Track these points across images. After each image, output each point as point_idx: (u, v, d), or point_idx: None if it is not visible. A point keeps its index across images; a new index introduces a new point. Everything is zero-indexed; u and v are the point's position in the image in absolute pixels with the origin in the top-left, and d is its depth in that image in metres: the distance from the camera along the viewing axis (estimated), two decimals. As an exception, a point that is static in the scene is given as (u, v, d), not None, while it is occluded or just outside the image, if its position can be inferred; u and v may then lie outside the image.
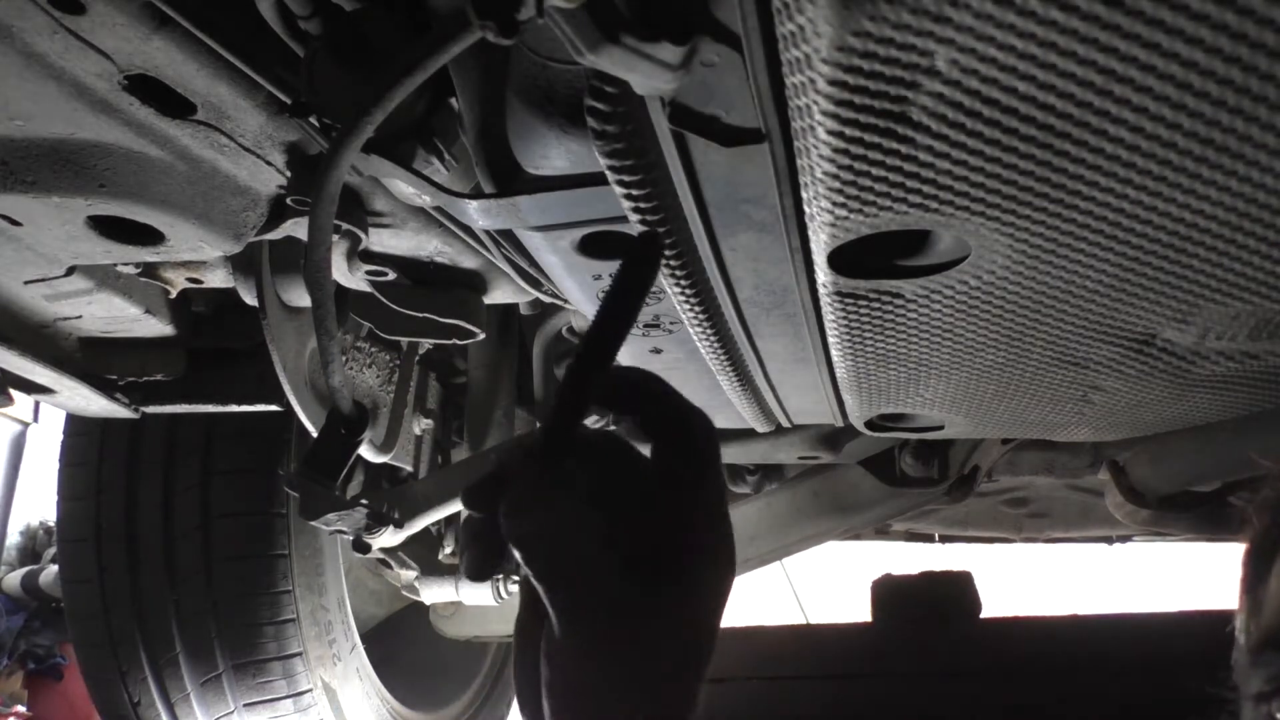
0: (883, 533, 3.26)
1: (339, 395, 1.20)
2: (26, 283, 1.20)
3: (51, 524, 5.43)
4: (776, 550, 2.18)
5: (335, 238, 1.12)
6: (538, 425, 0.62)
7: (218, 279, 1.35)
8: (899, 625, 2.01)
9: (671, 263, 0.84)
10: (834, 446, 1.71)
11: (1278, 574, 0.68)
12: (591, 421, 1.77)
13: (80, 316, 1.33)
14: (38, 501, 5.73)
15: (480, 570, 0.60)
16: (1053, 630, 1.99)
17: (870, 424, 1.31)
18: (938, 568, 2.11)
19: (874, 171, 0.60)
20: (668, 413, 0.61)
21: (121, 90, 0.87)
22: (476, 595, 2.23)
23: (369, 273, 1.28)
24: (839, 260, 0.74)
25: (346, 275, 1.27)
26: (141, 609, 1.96)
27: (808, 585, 4.82)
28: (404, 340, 1.81)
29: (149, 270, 1.29)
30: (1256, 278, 0.72)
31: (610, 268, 0.95)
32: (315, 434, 1.37)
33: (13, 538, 5.65)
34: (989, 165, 0.59)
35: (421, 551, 2.24)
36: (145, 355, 1.51)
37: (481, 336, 1.37)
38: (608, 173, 0.72)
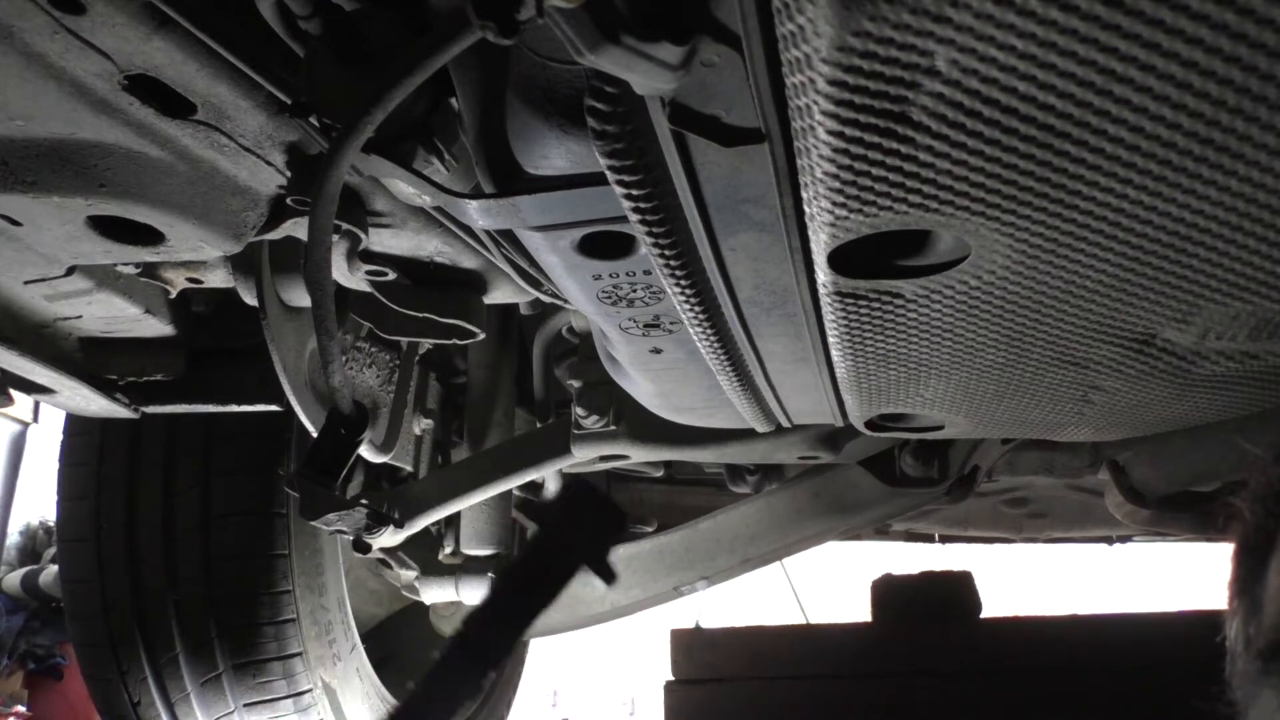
0: (883, 533, 3.26)
1: (339, 395, 1.20)
2: (26, 283, 1.20)
3: (51, 524, 5.43)
4: (776, 550, 2.18)
5: (335, 238, 1.12)
6: None
7: (218, 279, 1.35)
8: (899, 625, 2.01)
9: (671, 263, 0.84)
10: (834, 446, 1.71)
11: (1277, 569, 0.61)
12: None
13: (80, 316, 1.33)
14: (38, 501, 5.73)
15: None
16: (1053, 630, 1.99)
17: (870, 424, 1.31)
18: (938, 568, 2.11)
19: (874, 171, 0.60)
20: None
21: (121, 90, 0.87)
22: (476, 595, 2.23)
23: (369, 273, 1.28)
24: (839, 260, 0.74)
25: (346, 275, 1.27)
26: (141, 609, 1.96)
27: (808, 585, 4.82)
28: (404, 340, 1.81)
29: (149, 270, 1.29)
30: (1256, 278, 0.72)
31: (610, 267, 0.95)
32: (315, 434, 1.37)
33: (13, 538, 5.65)
34: (989, 165, 0.59)
35: (421, 551, 2.24)
36: (145, 355, 1.51)
37: (481, 336, 1.37)
38: (608, 173, 0.72)
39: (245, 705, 1.96)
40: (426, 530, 2.08)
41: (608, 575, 0.54)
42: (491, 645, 0.53)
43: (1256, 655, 0.60)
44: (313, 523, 1.48)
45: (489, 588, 0.60)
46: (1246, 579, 0.64)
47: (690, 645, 2.04)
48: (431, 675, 0.53)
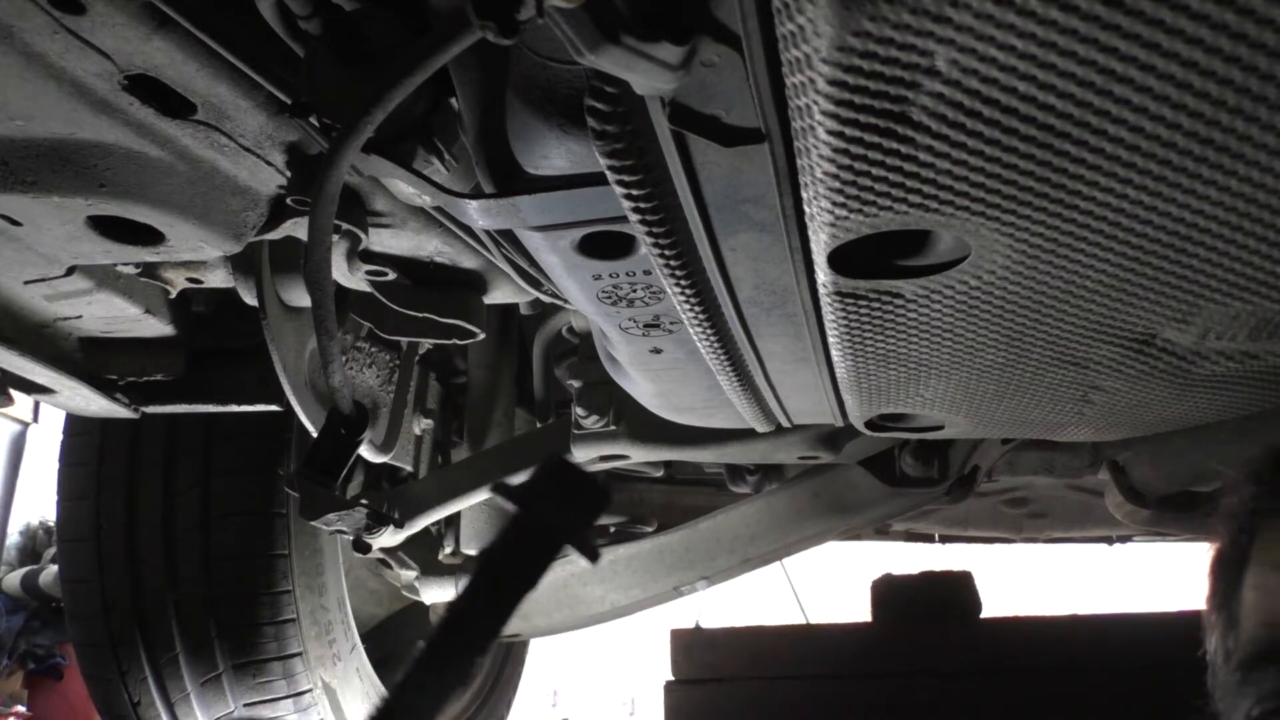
0: (883, 533, 3.26)
1: (339, 395, 1.20)
2: (26, 283, 1.20)
3: (51, 524, 5.42)
4: (776, 550, 2.18)
5: (335, 238, 1.12)
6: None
7: (218, 279, 1.34)
8: (899, 625, 2.01)
9: (671, 263, 0.84)
10: (834, 446, 1.71)
11: (1251, 584, 0.63)
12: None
13: (80, 316, 1.33)
14: (38, 501, 5.73)
15: None
16: (1053, 630, 1.99)
17: (870, 424, 1.31)
18: (938, 568, 2.11)
19: (874, 171, 0.60)
20: None
21: (121, 90, 0.87)
22: (476, 595, 2.23)
23: (369, 273, 1.28)
24: (839, 260, 0.74)
25: (346, 275, 1.27)
26: (141, 609, 1.96)
27: (808, 585, 4.82)
28: (404, 340, 1.81)
29: (149, 270, 1.29)
30: (1256, 278, 0.72)
31: (610, 267, 0.95)
32: (315, 434, 1.37)
33: (13, 538, 5.65)
34: (989, 165, 0.59)
35: (421, 551, 2.24)
36: (145, 355, 1.51)
37: (481, 336, 1.37)
38: (608, 173, 0.72)
39: (245, 705, 1.96)
40: (426, 530, 2.08)
41: (591, 553, 0.53)
42: (477, 630, 0.52)
43: (1236, 667, 0.62)
44: (313, 523, 1.48)
45: (471, 570, 0.58)
46: (1224, 594, 0.66)
47: (690, 645, 2.04)
48: (418, 665, 0.52)
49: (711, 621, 2.20)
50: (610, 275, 0.96)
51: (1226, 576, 0.67)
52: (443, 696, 0.51)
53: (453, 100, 0.86)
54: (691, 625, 2.12)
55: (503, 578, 0.53)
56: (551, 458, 0.53)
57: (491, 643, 0.52)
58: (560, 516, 0.53)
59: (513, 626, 2.47)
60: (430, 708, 0.51)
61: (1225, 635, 0.66)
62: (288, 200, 1.06)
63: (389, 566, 2.28)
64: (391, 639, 2.67)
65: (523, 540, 0.53)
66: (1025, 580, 4.88)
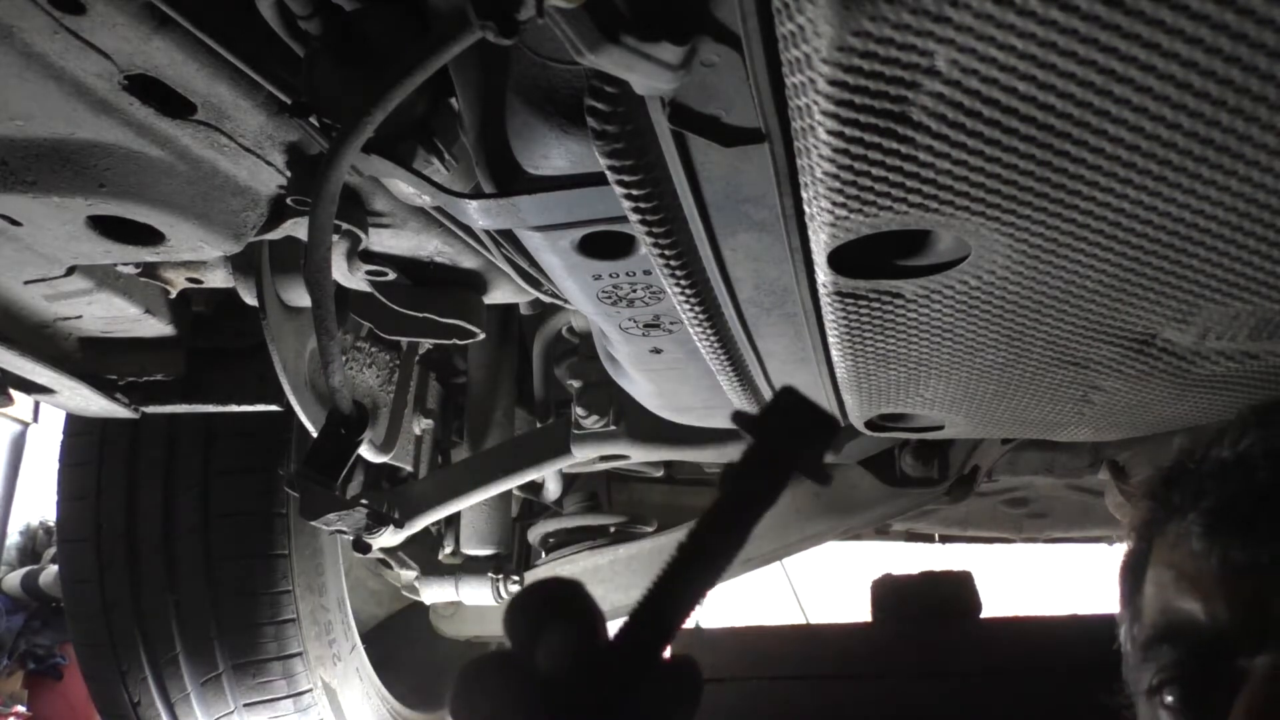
0: (883, 533, 3.26)
1: (339, 395, 1.20)
2: (26, 283, 1.20)
3: (51, 524, 5.42)
4: (776, 550, 2.18)
5: (335, 238, 1.12)
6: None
7: (218, 279, 1.35)
8: (899, 625, 2.01)
9: (671, 263, 0.84)
10: (834, 446, 1.71)
11: (1150, 580, 0.75)
12: None
13: (80, 316, 1.33)
14: (38, 501, 5.73)
15: None
16: (1053, 630, 1.99)
17: (870, 424, 1.31)
18: (938, 568, 2.11)
19: (874, 171, 0.60)
20: None
21: (121, 90, 0.87)
22: (476, 595, 2.23)
23: (369, 273, 1.28)
24: (839, 260, 0.74)
25: (346, 275, 1.27)
26: (141, 609, 1.96)
27: (808, 585, 4.82)
28: (404, 340, 1.81)
29: (149, 270, 1.29)
30: (1256, 278, 0.72)
31: (610, 267, 0.95)
32: (315, 434, 1.37)
33: (13, 538, 5.65)
34: (989, 165, 0.59)
35: (421, 551, 2.24)
36: (145, 355, 1.51)
37: (481, 336, 1.37)
38: (608, 173, 0.72)
39: (245, 705, 1.96)
40: (426, 530, 2.08)
41: (822, 478, 0.55)
42: (718, 549, 0.54)
43: (1140, 648, 0.74)
44: (313, 523, 1.49)
45: (715, 498, 0.61)
46: (1130, 594, 0.79)
47: (690, 645, 2.04)
48: (666, 575, 0.53)
49: (711, 621, 2.20)
50: (610, 275, 0.96)
51: (1131, 579, 0.79)
52: (686, 609, 0.52)
53: (453, 100, 0.86)
54: (691, 625, 2.12)
55: (741, 503, 0.55)
56: (784, 390, 0.54)
57: (730, 561, 0.53)
58: (792, 444, 0.54)
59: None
60: (677, 617, 0.52)
61: (1132, 626, 0.78)
62: (288, 200, 1.06)
63: (389, 566, 2.28)
64: (391, 639, 2.67)
65: (758, 467, 0.55)
66: (1025, 580, 4.88)
